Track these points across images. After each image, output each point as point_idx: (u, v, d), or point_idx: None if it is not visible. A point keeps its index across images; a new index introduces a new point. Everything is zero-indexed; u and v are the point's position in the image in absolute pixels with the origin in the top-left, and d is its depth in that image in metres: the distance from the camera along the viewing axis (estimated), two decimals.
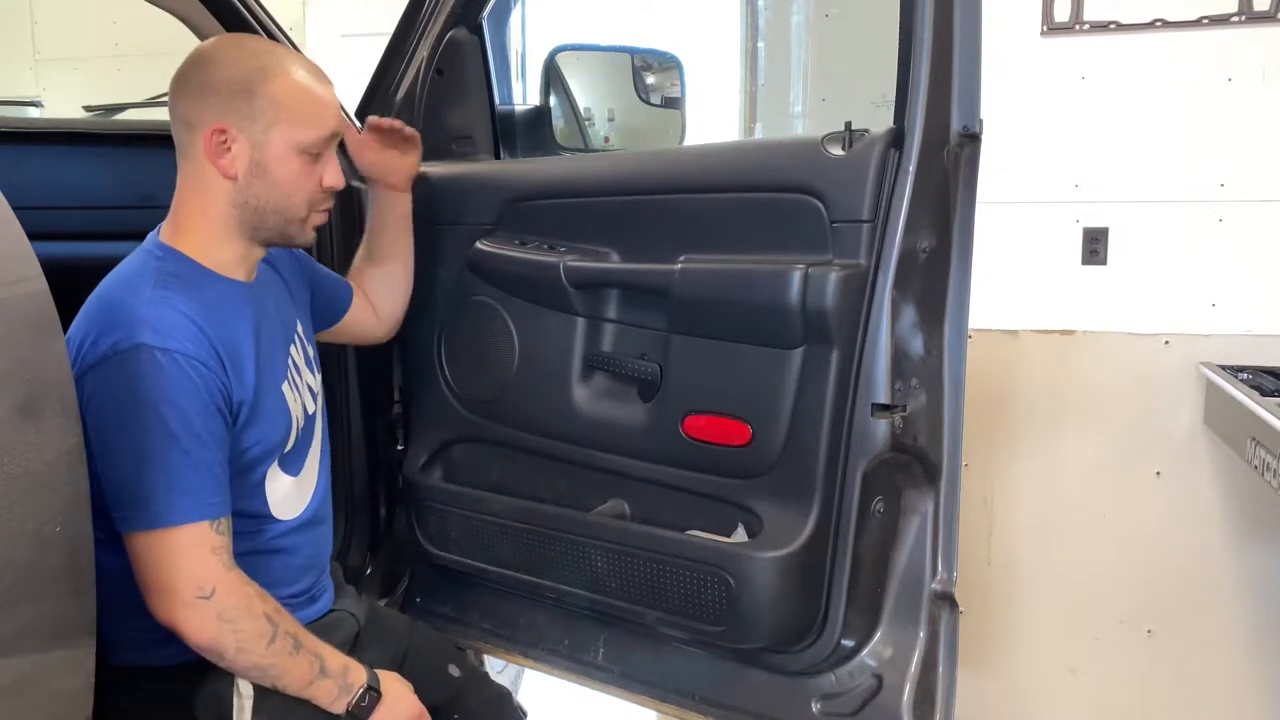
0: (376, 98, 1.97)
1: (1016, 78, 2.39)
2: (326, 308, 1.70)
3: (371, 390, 2.03)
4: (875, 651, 1.56)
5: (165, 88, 1.41)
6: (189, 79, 1.38)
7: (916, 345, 1.47)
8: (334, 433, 1.74)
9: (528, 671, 2.13)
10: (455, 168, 1.94)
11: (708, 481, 1.62)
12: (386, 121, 1.75)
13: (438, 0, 1.90)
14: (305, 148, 1.38)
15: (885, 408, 1.46)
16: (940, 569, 1.52)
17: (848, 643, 1.56)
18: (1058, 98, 2.41)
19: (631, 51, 2.33)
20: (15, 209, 0.92)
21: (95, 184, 2.10)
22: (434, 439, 1.95)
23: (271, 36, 1.81)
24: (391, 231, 1.79)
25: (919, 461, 1.51)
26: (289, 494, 1.47)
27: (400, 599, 2.09)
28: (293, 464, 1.48)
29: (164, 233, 1.41)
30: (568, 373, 1.75)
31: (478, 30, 2.00)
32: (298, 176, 1.39)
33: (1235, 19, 2.29)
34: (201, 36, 1.90)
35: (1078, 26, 2.39)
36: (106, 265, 1.39)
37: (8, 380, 0.87)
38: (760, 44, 3.25)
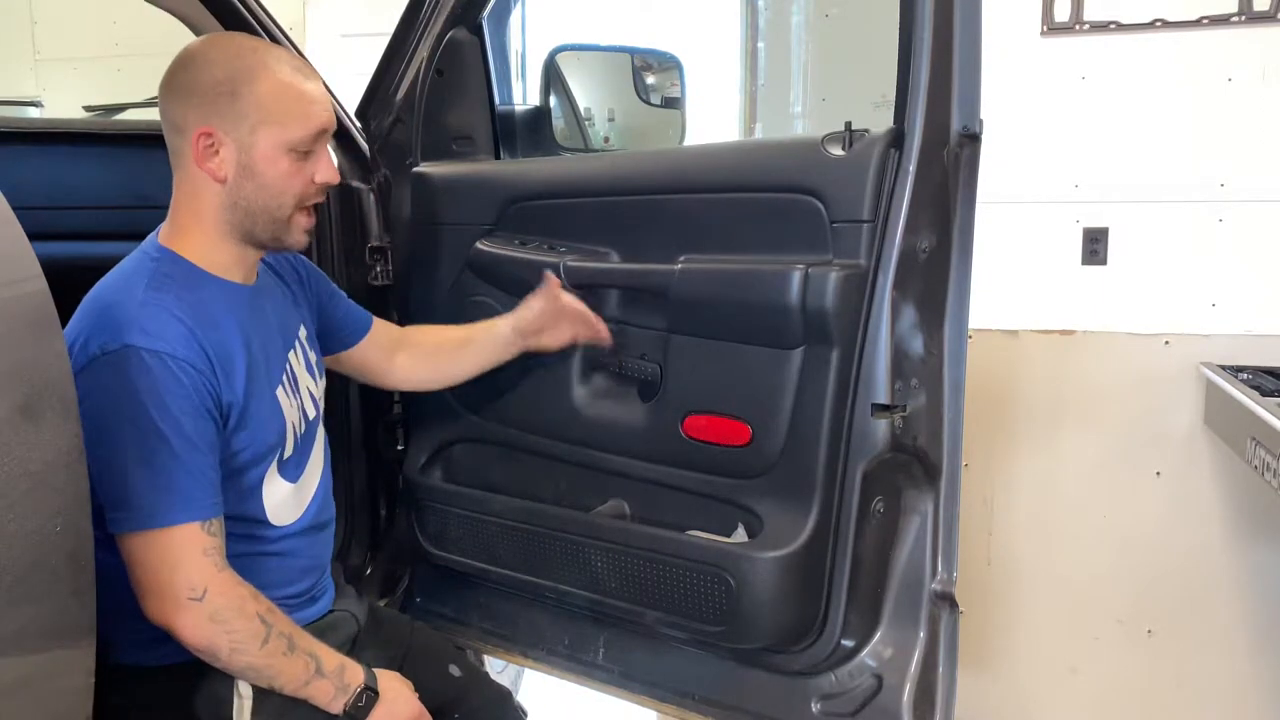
0: (376, 98, 1.97)
1: (1016, 78, 2.39)
2: (331, 334, 1.67)
3: (372, 391, 2.03)
4: (875, 651, 1.56)
5: None
6: (174, 82, 1.36)
7: (916, 345, 1.47)
8: (334, 433, 1.73)
9: (528, 671, 2.12)
10: (455, 168, 1.94)
11: (708, 482, 1.62)
12: (594, 317, 1.69)
13: (438, 0, 1.90)
14: (293, 146, 1.36)
15: (885, 408, 1.46)
16: (940, 569, 1.51)
17: (848, 643, 1.56)
18: (1058, 98, 2.41)
19: (631, 51, 2.32)
20: (15, 209, 0.92)
21: (95, 184, 2.10)
22: (434, 439, 1.96)
23: (271, 36, 1.80)
24: (496, 347, 1.73)
25: (919, 461, 1.51)
26: (286, 500, 1.46)
27: (400, 599, 2.09)
28: (292, 470, 1.47)
29: (162, 234, 1.40)
30: (568, 373, 1.75)
31: (478, 30, 2.00)
32: (288, 175, 1.37)
33: (1235, 19, 2.29)
34: None
35: (1078, 26, 2.38)
36: (106, 265, 1.39)
37: (8, 380, 0.87)
38: (760, 44, 3.24)
